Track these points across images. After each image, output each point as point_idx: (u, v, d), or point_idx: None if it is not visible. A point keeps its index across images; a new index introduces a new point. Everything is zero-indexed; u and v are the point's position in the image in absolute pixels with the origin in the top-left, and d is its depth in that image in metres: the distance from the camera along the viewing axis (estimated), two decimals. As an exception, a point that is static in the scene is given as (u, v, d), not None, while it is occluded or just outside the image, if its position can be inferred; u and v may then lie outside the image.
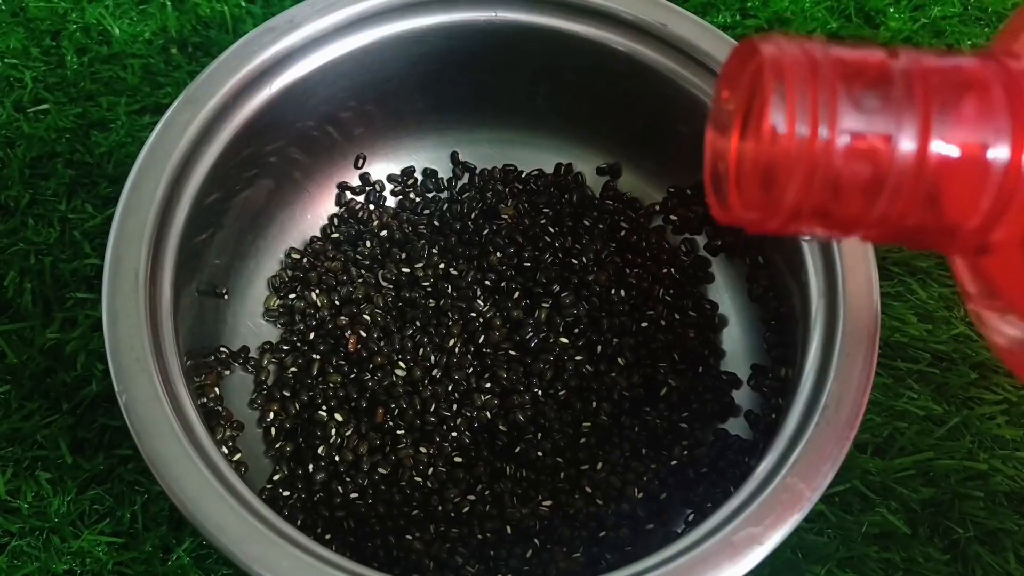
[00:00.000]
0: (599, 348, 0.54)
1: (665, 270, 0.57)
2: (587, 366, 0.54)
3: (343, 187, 0.60)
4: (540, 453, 0.52)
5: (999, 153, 0.26)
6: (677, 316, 0.56)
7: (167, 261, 0.45)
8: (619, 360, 0.54)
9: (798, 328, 0.47)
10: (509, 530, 0.50)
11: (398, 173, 0.61)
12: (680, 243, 0.58)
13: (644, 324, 0.55)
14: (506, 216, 0.58)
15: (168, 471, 0.39)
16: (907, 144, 0.26)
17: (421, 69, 0.56)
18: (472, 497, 0.51)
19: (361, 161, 0.60)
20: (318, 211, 0.60)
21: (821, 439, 0.41)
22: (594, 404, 0.53)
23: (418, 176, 0.61)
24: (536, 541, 0.49)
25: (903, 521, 0.52)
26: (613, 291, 0.56)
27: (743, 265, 0.56)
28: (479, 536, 0.50)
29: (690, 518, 0.50)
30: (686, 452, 0.51)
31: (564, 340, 0.54)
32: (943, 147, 0.26)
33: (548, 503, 0.50)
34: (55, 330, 0.56)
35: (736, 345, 0.56)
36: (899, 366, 0.56)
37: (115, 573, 0.51)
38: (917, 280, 0.59)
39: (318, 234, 0.59)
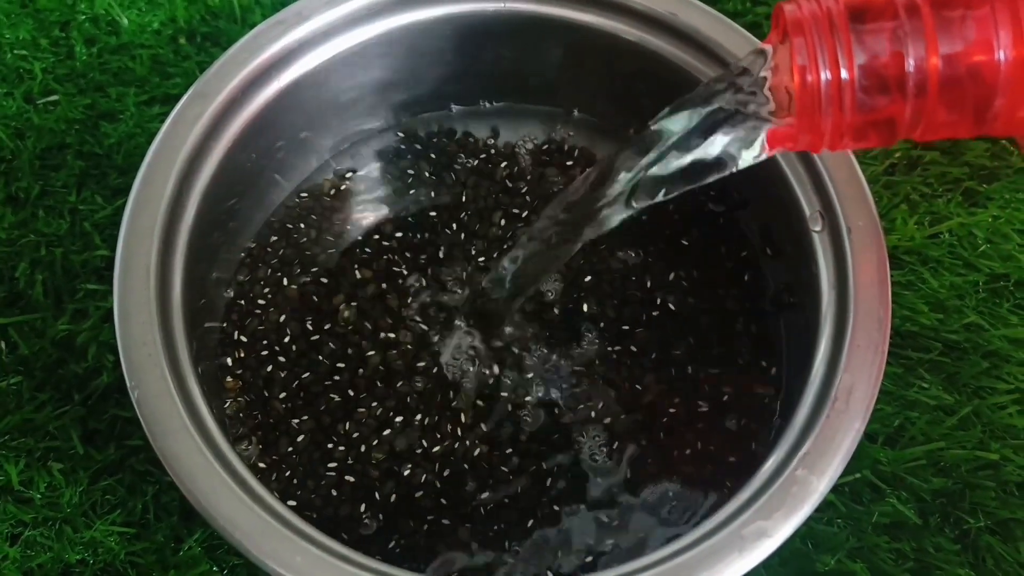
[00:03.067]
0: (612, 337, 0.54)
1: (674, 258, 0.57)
2: (609, 347, 0.54)
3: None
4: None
5: (1002, 53, 0.31)
6: (691, 301, 0.55)
7: (178, 256, 0.46)
8: (632, 348, 0.54)
9: (808, 319, 0.47)
10: (531, 523, 0.49)
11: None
12: (688, 233, 0.58)
13: (655, 314, 0.55)
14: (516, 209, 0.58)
15: (181, 467, 0.40)
16: (917, 62, 0.32)
17: (429, 60, 0.56)
18: (486, 493, 0.51)
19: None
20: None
21: (831, 431, 0.41)
22: (613, 392, 0.53)
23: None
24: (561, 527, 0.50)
25: (914, 511, 0.52)
26: (633, 278, 0.56)
27: (753, 255, 0.56)
28: (495, 528, 0.50)
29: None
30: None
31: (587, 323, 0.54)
32: (949, 58, 0.31)
33: None
34: (66, 321, 0.56)
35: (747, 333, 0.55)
36: (910, 355, 0.56)
37: (127, 563, 0.51)
38: (928, 269, 0.59)
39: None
